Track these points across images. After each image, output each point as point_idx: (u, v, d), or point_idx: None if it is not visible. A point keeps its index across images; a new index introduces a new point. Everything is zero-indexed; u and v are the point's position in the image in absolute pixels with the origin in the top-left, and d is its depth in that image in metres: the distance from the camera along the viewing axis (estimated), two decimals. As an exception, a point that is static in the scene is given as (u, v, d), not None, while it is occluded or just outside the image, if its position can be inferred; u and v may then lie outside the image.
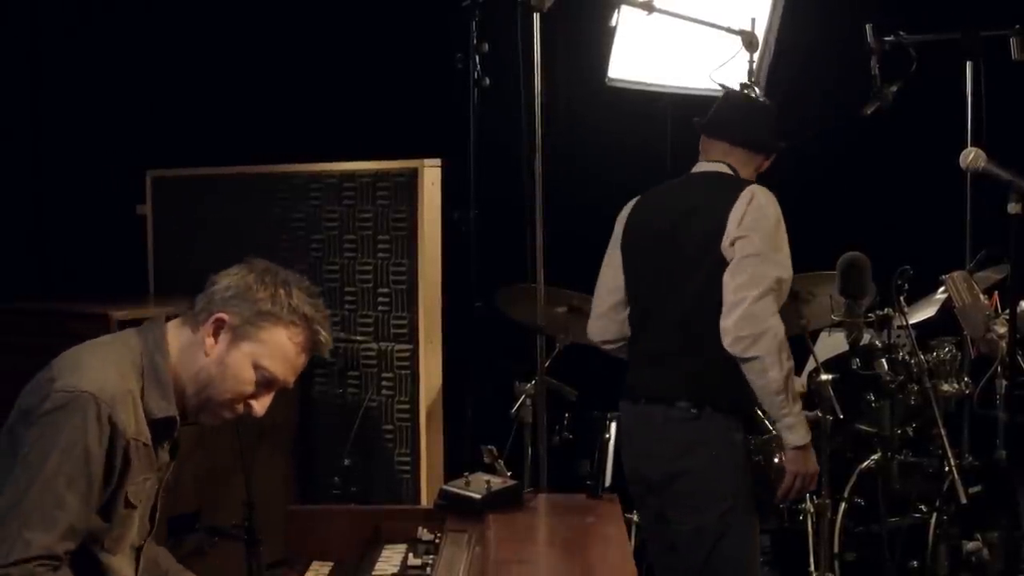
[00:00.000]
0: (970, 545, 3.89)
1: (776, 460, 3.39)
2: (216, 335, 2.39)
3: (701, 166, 3.59)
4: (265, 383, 2.41)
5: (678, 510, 3.45)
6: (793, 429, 3.31)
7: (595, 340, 3.74)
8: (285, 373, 2.42)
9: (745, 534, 3.41)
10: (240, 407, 2.43)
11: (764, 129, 3.60)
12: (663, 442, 3.45)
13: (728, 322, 3.28)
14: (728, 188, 3.43)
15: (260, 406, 2.44)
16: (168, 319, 2.47)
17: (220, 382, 2.39)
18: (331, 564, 2.75)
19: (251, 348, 2.38)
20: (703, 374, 3.37)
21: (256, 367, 2.39)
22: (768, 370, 3.26)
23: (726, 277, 3.32)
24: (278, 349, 2.39)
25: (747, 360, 3.27)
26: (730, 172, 3.52)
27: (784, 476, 3.37)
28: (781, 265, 3.34)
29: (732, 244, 3.34)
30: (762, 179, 3.56)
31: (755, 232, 3.32)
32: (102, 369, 2.31)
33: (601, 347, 3.74)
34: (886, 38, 4.19)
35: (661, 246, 3.51)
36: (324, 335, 2.44)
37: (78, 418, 2.22)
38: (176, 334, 2.43)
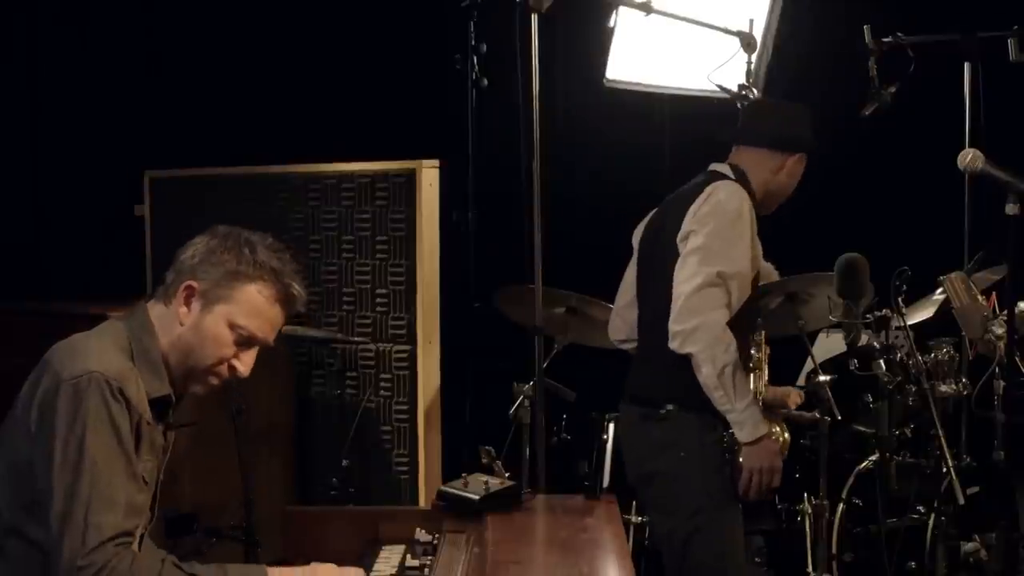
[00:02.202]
0: (968, 546, 3.89)
1: (742, 458, 3.38)
2: (188, 303, 2.41)
3: (710, 167, 3.58)
4: (244, 342, 2.43)
5: (654, 512, 3.47)
6: (740, 425, 3.29)
7: (612, 338, 3.77)
8: (262, 329, 2.44)
9: (718, 536, 3.37)
10: (224, 369, 2.45)
11: (774, 126, 3.56)
12: (639, 442, 3.48)
13: (670, 319, 3.29)
14: (702, 186, 3.42)
15: (244, 365, 2.46)
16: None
17: (199, 348, 2.41)
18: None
19: (224, 309, 2.40)
20: (672, 373, 3.35)
21: (232, 327, 2.41)
22: (701, 366, 3.25)
23: (675, 272, 3.33)
24: (250, 305, 2.41)
25: (687, 356, 3.27)
26: (727, 174, 3.50)
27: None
28: (727, 259, 3.30)
29: (686, 238, 3.34)
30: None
31: (704, 227, 3.31)
32: (101, 351, 2.33)
33: (619, 347, 3.75)
34: (884, 39, 4.18)
35: (647, 248, 3.57)
36: (296, 288, 2.46)
37: (96, 398, 2.25)
38: (154, 313, 2.45)
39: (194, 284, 2.41)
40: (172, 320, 2.42)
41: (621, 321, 3.71)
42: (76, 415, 2.23)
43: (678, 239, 3.36)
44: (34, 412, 2.28)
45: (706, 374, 3.25)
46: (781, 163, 3.54)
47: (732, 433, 3.36)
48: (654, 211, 3.66)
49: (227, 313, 2.40)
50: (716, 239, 3.30)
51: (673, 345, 3.28)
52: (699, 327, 3.24)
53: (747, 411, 3.29)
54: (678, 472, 3.37)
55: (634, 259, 3.69)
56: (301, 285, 2.49)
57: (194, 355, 2.42)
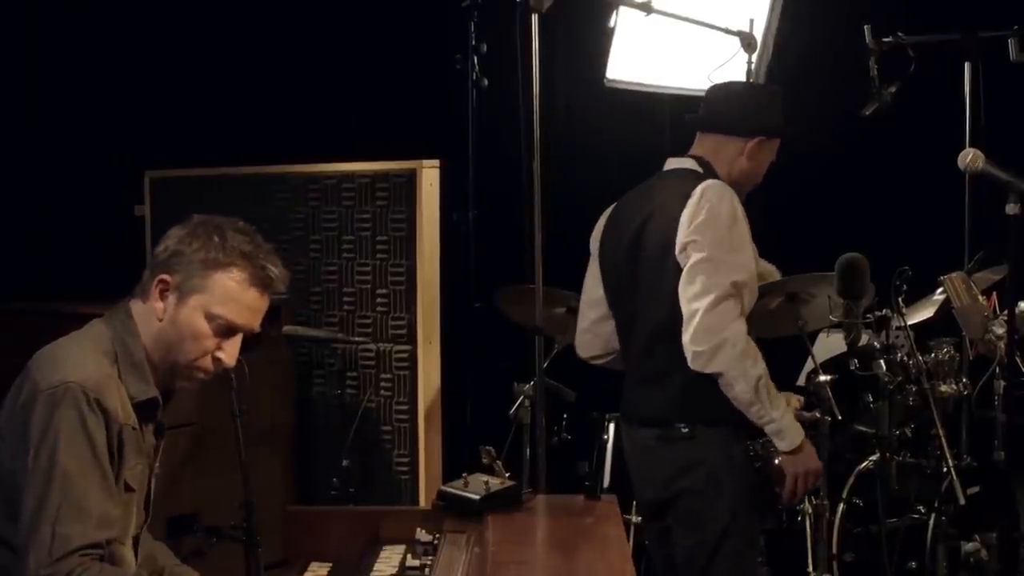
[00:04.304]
0: (968, 546, 3.88)
1: (776, 462, 3.32)
2: (163, 297, 2.40)
3: (669, 163, 3.47)
4: (223, 331, 2.41)
5: (681, 526, 3.35)
6: (781, 435, 3.19)
7: (583, 356, 3.66)
8: (241, 315, 2.41)
9: (743, 546, 3.32)
10: (208, 362, 2.42)
11: (728, 109, 3.42)
12: (660, 464, 3.36)
13: (686, 337, 3.15)
14: (683, 187, 3.27)
15: (228, 356, 2.43)
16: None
17: (179, 342, 2.39)
18: (329, 565, 2.76)
19: (198, 300, 2.38)
20: (689, 391, 3.23)
21: (208, 317, 2.39)
22: (733, 384, 3.13)
23: (680, 287, 3.18)
24: (223, 293, 2.39)
25: (712, 375, 3.14)
26: (695, 167, 3.38)
27: (784, 478, 3.25)
28: (736, 267, 3.17)
29: (684, 250, 3.20)
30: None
31: (704, 235, 3.17)
32: (80, 359, 2.32)
33: (590, 363, 3.66)
34: (885, 39, 4.19)
35: (628, 256, 3.40)
36: (271, 269, 2.42)
37: (72, 409, 2.23)
38: (135, 310, 2.44)
39: (167, 278, 2.39)
40: (150, 316, 2.40)
41: (594, 337, 3.59)
42: (49, 425, 2.22)
43: (677, 251, 3.22)
44: (15, 422, 2.27)
45: (740, 390, 3.12)
46: (740, 148, 3.38)
47: (761, 442, 3.28)
48: (609, 214, 3.55)
49: (202, 304, 2.38)
50: (719, 248, 3.17)
51: (695, 366, 3.14)
52: (722, 344, 3.10)
53: (785, 418, 3.18)
54: (707, 488, 3.27)
55: (594, 268, 3.56)
56: (278, 265, 2.44)
57: (175, 350, 2.40)
